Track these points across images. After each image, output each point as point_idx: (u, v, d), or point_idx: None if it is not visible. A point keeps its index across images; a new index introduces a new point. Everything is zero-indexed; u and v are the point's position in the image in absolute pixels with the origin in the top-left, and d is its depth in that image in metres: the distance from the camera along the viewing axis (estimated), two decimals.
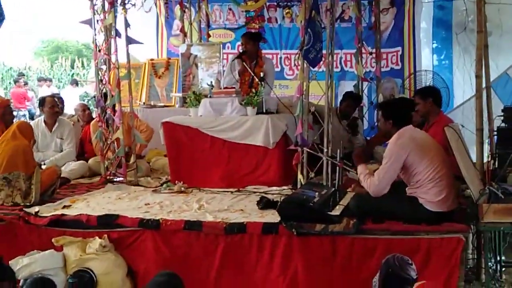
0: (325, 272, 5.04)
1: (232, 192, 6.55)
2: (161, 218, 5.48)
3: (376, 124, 5.53)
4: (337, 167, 6.01)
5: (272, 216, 5.36)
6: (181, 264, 5.23)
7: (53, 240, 5.55)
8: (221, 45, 9.47)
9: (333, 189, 5.77)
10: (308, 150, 6.20)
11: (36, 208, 5.94)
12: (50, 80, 20.93)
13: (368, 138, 8.21)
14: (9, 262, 5.33)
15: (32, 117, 16.38)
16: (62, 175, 6.97)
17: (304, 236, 5.05)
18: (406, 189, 5.13)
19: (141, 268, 5.48)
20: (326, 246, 5.04)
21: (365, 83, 8.75)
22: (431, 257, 4.84)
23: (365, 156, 5.39)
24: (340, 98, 8.20)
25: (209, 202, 6.11)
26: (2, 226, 5.79)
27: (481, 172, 5.33)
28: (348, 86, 9.69)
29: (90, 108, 9.17)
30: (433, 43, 10.16)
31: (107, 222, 5.57)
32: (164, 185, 6.92)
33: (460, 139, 5.16)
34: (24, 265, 5.32)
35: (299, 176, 6.24)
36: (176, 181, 6.88)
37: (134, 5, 7.50)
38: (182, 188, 6.69)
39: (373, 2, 8.80)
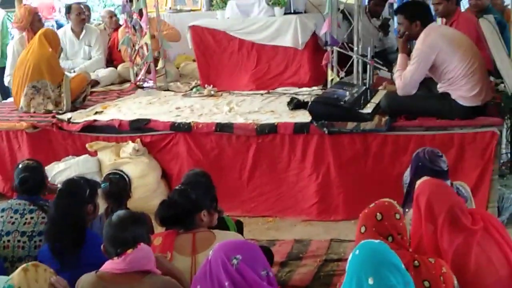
0: (357, 169, 5.06)
1: (262, 94, 6.51)
2: (192, 121, 5.49)
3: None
4: (368, 66, 5.93)
5: (303, 116, 5.34)
6: (214, 166, 5.28)
7: (87, 145, 5.65)
8: None
9: (364, 87, 5.70)
10: (338, 49, 6.09)
11: (69, 115, 6.00)
12: None
13: None
14: (45, 168, 5.44)
15: (59, 27, 16.27)
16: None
17: (336, 134, 5.04)
18: (438, 86, 5.02)
19: (175, 170, 5.58)
20: (358, 144, 5.03)
21: None
22: (465, 152, 4.82)
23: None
24: None
25: (239, 104, 6.10)
26: (36, 133, 5.88)
27: None
28: None
29: (117, 15, 9.05)
30: None
31: (139, 126, 5.62)
32: (194, 89, 6.91)
33: (495, 31, 5.00)
34: (60, 170, 5.46)
35: (330, 76, 6.16)
36: (206, 85, 6.86)
37: None
38: (212, 92, 6.67)
39: None
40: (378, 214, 2.78)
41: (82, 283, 2.82)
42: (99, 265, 2.85)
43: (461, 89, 4.83)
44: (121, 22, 8.47)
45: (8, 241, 3.63)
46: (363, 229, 2.78)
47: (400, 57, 5.10)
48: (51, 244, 3.33)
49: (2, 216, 3.70)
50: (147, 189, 5.41)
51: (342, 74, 6.17)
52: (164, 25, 7.85)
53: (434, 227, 2.93)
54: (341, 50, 6.11)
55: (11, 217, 3.67)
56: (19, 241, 3.61)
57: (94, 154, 5.65)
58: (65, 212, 3.36)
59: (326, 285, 4.08)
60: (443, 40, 4.80)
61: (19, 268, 2.46)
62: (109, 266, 2.79)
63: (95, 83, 7.35)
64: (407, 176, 3.82)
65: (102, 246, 2.91)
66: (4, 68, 7.57)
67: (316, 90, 6.41)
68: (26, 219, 3.67)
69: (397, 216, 2.83)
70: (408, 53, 5.12)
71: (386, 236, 2.73)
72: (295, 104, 5.73)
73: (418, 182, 3.17)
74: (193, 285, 2.57)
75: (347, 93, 5.35)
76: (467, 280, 2.83)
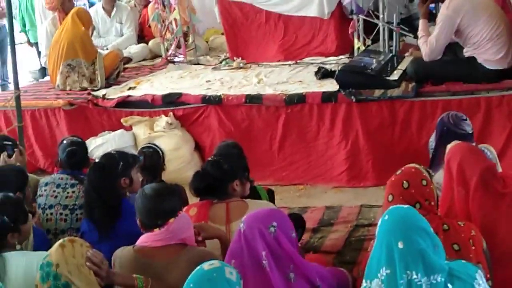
0: (385, 136, 5.13)
1: (290, 64, 6.59)
2: (222, 94, 5.61)
3: None
4: (394, 33, 5.95)
5: (331, 85, 5.41)
6: (245, 137, 5.39)
7: (122, 120, 5.81)
8: None
9: (391, 54, 5.75)
10: (364, 17, 6.12)
11: (103, 91, 6.17)
12: None
13: None
14: None
15: (91, 6, 16.40)
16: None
17: (363, 102, 5.11)
18: (464, 50, 5.04)
19: (207, 142, 5.70)
20: (386, 111, 5.10)
21: None
22: (492, 115, 4.86)
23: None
24: None
25: (268, 75, 6.19)
26: (73, 110, 6.05)
27: None
28: None
29: None
30: None
31: (172, 100, 5.74)
32: (223, 62, 7.02)
33: None
34: (98, 145, 5.62)
35: (356, 45, 6.21)
36: (235, 58, 6.96)
37: None
38: (241, 64, 6.78)
39: None
40: (404, 182, 2.77)
41: (119, 258, 2.85)
42: (137, 234, 2.90)
43: (487, 52, 4.85)
44: None
45: (51, 214, 3.78)
46: (390, 198, 2.78)
47: (421, 22, 5.13)
48: (88, 215, 3.44)
49: (45, 190, 3.86)
50: (181, 161, 5.55)
51: (369, 42, 6.20)
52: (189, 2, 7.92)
53: (465, 191, 2.93)
54: (367, 18, 6.13)
55: (54, 191, 3.81)
56: (61, 214, 3.76)
57: (129, 128, 5.81)
58: (96, 185, 3.43)
59: (357, 250, 4.14)
60: (467, 4, 4.81)
61: (56, 244, 2.52)
62: (146, 239, 2.82)
63: (128, 60, 7.49)
64: (432, 141, 3.86)
65: (138, 220, 2.91)
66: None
67: (343, 58, 6.47)
68: (68, 193, 3.81)
69: (424, 182, 2.81)
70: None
71: (414, 203, 2.70)
72: (323, 74, 5.80)
73: (449, 146, 3.15)
74: (227, 259, 2.56)
75: (374, 60, 5.40)
76: (496, 243, 2.84)
